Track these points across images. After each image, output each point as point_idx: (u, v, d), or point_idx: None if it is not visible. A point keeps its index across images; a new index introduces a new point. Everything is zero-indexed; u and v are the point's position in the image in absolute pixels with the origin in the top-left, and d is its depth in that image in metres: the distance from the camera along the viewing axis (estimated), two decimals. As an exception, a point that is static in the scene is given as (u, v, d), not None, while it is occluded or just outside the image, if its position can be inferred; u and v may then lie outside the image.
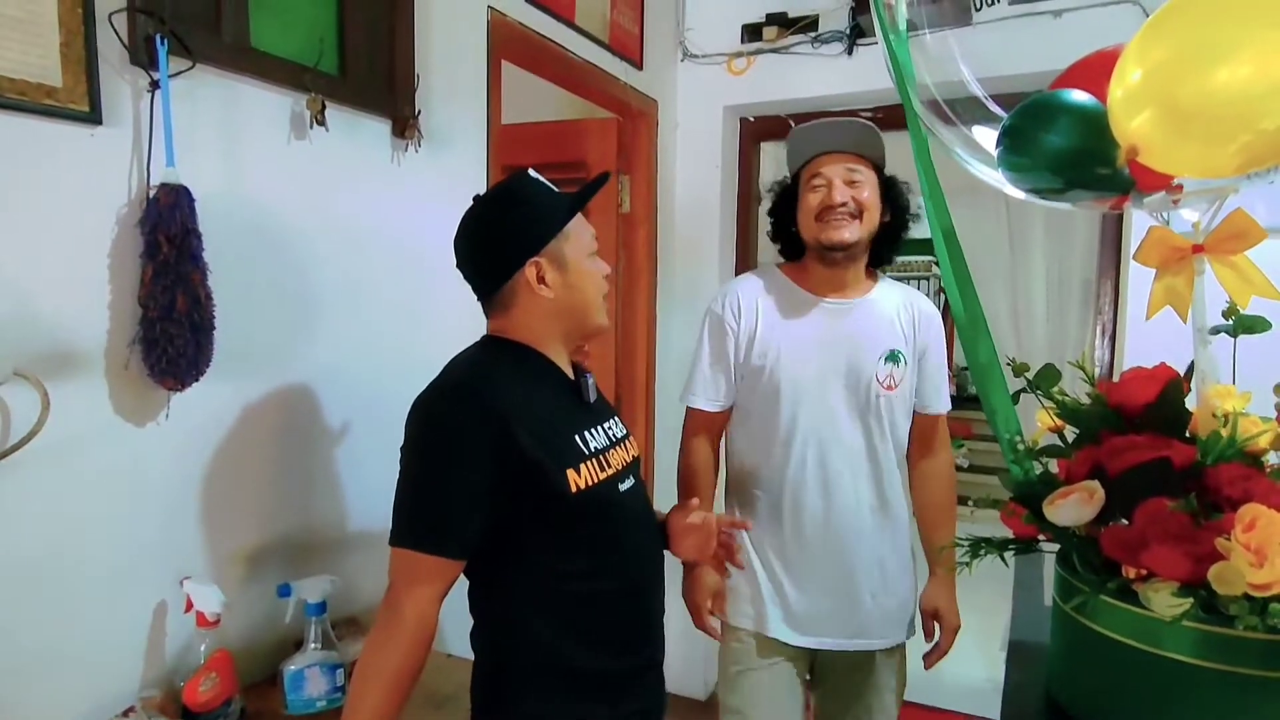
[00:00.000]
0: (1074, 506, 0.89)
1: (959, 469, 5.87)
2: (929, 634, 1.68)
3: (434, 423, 1.06)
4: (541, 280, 1.12)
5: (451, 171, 1.80)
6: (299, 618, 1.34)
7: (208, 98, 1.27)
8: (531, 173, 1.17)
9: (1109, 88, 0.88)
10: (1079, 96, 0.94)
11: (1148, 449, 0.87)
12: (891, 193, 1.56)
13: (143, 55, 1.16)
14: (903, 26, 1.19)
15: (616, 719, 1.15)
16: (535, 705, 1.10)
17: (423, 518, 1.05)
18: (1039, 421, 1.05)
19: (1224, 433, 0.88)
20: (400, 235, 1.66)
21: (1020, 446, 1.03)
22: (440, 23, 1.74)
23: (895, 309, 1.59)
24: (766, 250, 1.98)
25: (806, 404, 1.54)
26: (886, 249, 1.60)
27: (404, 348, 1.66)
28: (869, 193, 1.51)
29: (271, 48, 1.38)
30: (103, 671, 1.18)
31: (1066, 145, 0.93)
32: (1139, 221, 2.26)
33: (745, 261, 2.96)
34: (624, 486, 1.17)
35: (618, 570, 1.14)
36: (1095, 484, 0.89)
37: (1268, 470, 0.89)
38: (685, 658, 2.72)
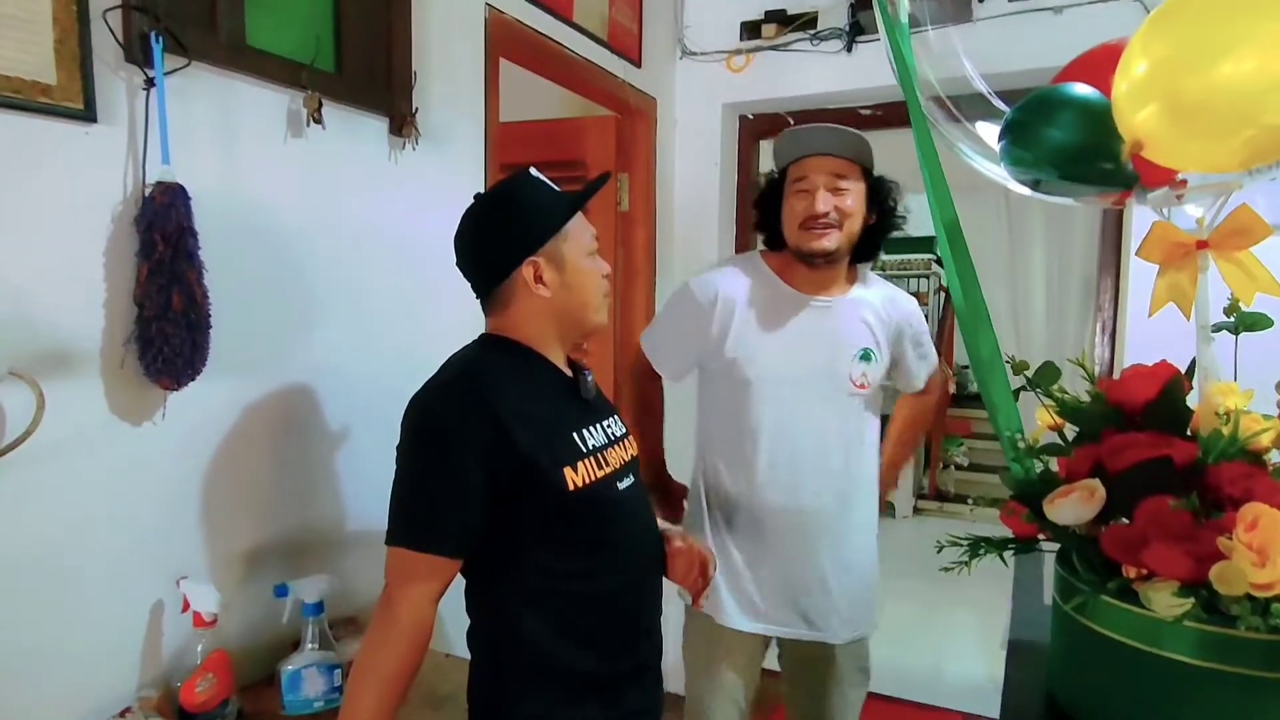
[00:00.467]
0: (1074, 505, 0.88)
1: (959, 467, 5.80)
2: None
3: (430, 421, 1.06)
4: (539, 279, 1.12)
5: (449, 170, 1.79)
6: (296, 618, 1.33)
7: (203, 96, 1.26)
8: (533, 171, 1.17)
9: (1113, 82, 0.88)
10: (1083, 90, 0.93)
11: (1149, 447, 0.87)
12: (879, 194, 1.56)
13: (137, 53, 1.15)
14: (904, 19, 1.18)
15: (614, 719, 1.14)
16: (533, 706, 1.10)
17: (418, 516, 1.04)
18: (1039, 420, 1.04)
19: (1226, 431, 0.87)
20: (398, 234, 1.65)
21: (1021, 444, 1.02)
22: (437, 20, 1.73)
23: (872, 307, 1.61)
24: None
25: (778, 400, 1.55)
26: (870, 248, 1.61)
27: (401, 346, 1.65)
28: (852, 200, 1.51)
29: (267, 45, 1.37)
30: (99, 672, 1.18)
31: (1070, 140, 0.92)
32: (1140, 218, 2.25)
33: (744, 260, 2.95)
34: (622, 485, 1.17)
35: (615, 570, 1.14)
36: (1096, 482, 0.88)
37: (1270, 469, 0.88)
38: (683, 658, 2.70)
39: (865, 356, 1.57)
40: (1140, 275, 2.26)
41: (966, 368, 6.07)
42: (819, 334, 1.56)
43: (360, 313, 1.58)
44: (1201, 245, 0.93)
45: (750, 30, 2.70)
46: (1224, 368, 0.97)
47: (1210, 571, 0.77)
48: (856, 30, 2.55)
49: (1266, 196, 1.13)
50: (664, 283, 2.82)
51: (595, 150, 2.64)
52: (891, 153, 2.84)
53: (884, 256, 6.83)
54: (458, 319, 1.57)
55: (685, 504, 1.74)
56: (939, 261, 6.38)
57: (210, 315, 1.21)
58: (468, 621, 1.15)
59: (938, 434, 5.88)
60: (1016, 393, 1.06)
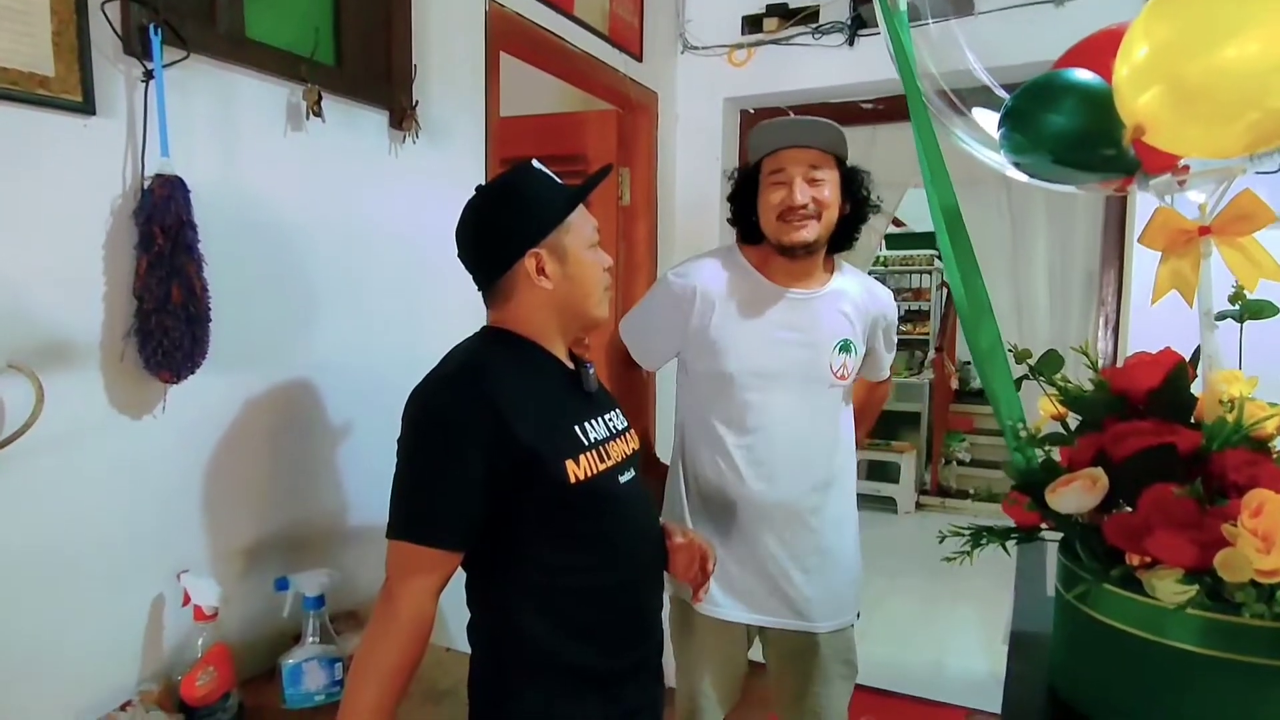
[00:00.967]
0: (1077, 493, 0.88)
1: (961, 463, 5.81)
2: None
3: (430, 413, 1.05)
4: (541, 271, 1.11)
5: (450, 163, 1.79)
6: (297, 611, 1.33)
7: (202, 88, 1.26)
8: (535, 164, 1.16)
9: (1114, 65, 0.87)
10: (1083, 75, 0.93)
11: (1152, 435, 0.86)
12: (852, 185, 1.57)
13: (136, 45, 1.15)
14: (903, 6, 1.17)
15: (614, 715, 1.14)
16: (533, 700, 1.09)
17: (419, 509, 1.04)
18: (1041, 409, 1.04)
19: (1230, 418, 0.86)
20: (398, 227, 1.65)
21: (1023, 433, 1.01)
22: (437, 13, 1.73)
23: (850, 298, 1.61)
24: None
25: (758, 392, 1.55)
26: (846, 237, 1.62)
27: (402, 339, 1.65)
28: (829, 191, 1.52)
29: (266, 38, 1.37)
30: (100, 665, 1.18)
31: (1071, 125, 0.91)
32: (1143, 211, 2.24)
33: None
34: (624, 479, 1.16)
35: (616, 565, 1.13)
36: (1099, 470, 0.88)
37: (1275, 456, 0.87)
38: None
39: (845, 348, 1.59)
40: (1144, 270, 2.25)
41: (969, 363, 6.06)
42: (799, 326, 1.56)
43: (360, 306, 1.57)
44: (1204, 231, 0.92)
45: (751, 24, 2.70)
46: (1227, 357, 0.96)
47: (1215, 558, 0.76)
48: (858, 24, 2.55)
49: (1265, 185, 1.12)
50: (665, 278, 2.82)
51: (596, 145, 2.64)
52: (893, 147, 2.84)
53: (886, 252, 6.87)
54: (458, 312, 1.57)
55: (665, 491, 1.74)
56: (940, 257, 6.38)
57: (210, 308, 1.21)
58: (468, 616, 1.15)
59: (940, 429, 5.88)
60: (1018, 382, 1.05)
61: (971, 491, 5.63)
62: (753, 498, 1.56)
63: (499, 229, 1.13)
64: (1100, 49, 0.93)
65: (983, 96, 1.18)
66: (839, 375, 1.58)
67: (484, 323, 1.19)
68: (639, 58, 2.57)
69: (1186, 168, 0.92)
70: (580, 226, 1.15)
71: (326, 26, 1.51)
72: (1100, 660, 0.91)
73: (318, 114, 1.41)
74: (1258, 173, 0.93)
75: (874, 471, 5.41)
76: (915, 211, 5.82)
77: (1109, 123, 0.88)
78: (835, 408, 1.62)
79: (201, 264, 1.19)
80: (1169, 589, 0.79)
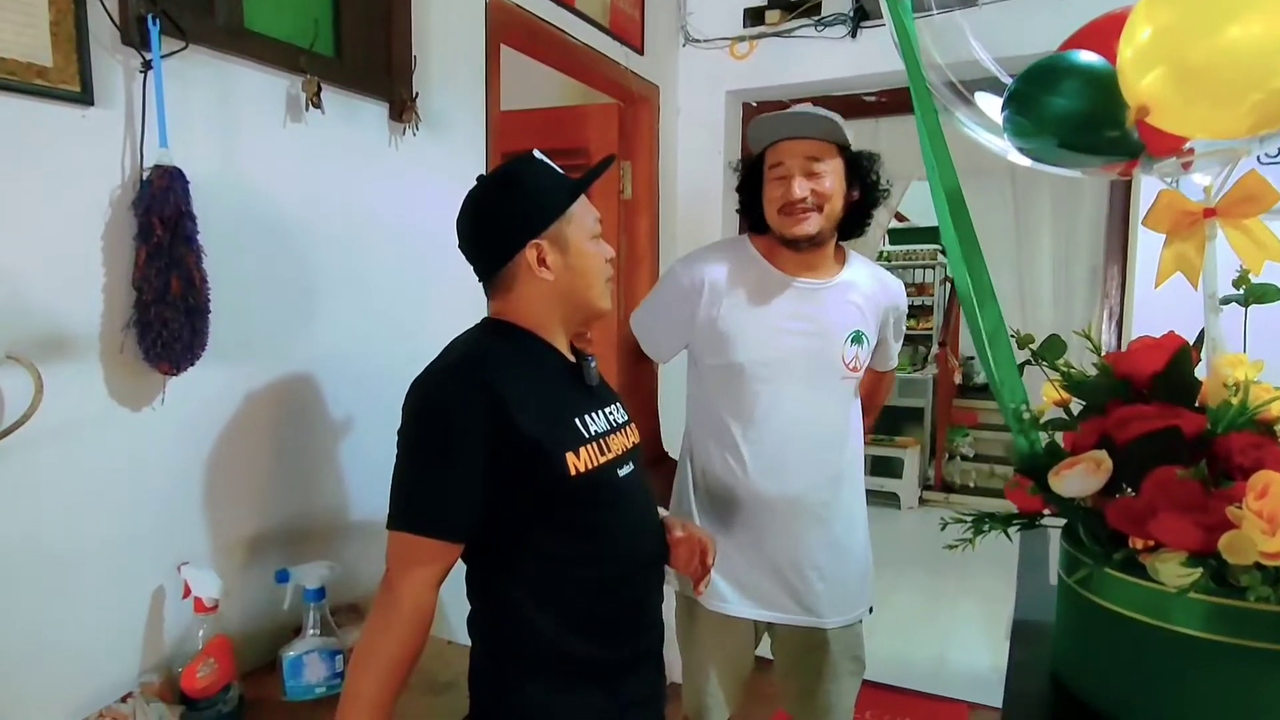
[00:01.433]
0: (1080, 477, 0.87)
1: (964, 458, 5.83)
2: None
3: (431, 404, 1.05)
4: (542, 262, 1.11)
5: (450, 156, 1.78)
6: (298, 604, 1.33)
7: (201, 79, 1.26)
8: (536, 154, 1.16)
9: (1118, 47, 0.86)
10: (1087, 57, 0.92)
11: (1156, 418, 0.85)
12: (858, 170, 1.55)
13: (134, 35, 1.14)
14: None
15: (616, 707, 1.13)
16: (534, 693, 1.09)
17: (419, 500, 1.03)
18: (1044, 396, 1.03)
19: (1235, 401, 0.86)
20: (398, 219, 1.65)
21: (1026, 416, 1.00)
22: (438, 5, 1.72)
23: (861, 289, 1.60)
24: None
25: (769, 384, 1.54)
26: (857, 224, 1.60)
27: (402, 331, 1.64)
28: (830, 181, 1.50)
29: (265, 29, 1.37)
30: (100, 657, 1.18)
31: (1075, 108, 0.91)
32: (1147, 200, 2.23)
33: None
34: (624, 472, 1.16)
35: (616, 557, 1.13)
36: (1102, 454, 0.87)
37: (1280, 439, 0.86)
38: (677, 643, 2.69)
39: (857, 339, 1.57)
40: (1147, 262, 2.24)
41: (972, 358, 6.05)
42: (806, 315, 1.55)
43: (360, 298, 1.57)
44: (1209, 213, 0.91)
45: (753, 17, 2.68)
46: (1232, 341, 0.96)
47: (1219, 541, 0.75)
48: (861, 16, 2.53)
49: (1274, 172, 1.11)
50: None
51: (597, 138, 2.63)
52: (896, 140, 2.83)
53: (889, 247, 6.85)
54: (459, 304, 1.57)
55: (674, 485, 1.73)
56: (944, 252, 6.39)
57: (209, 300, 1.20)
58: (469, 608, 1.15)
59: (944, 424, 5.87)
60: (1021, 367, 1.05)
61: (973, 481, 5.64)
62: (761, 493, 1.55)
63: (500, 219, 1.13)
64: (1105, 31, 0.92)
65: (987, 85, 1.17)
66: (851, 367, 1.56)
67: (485, 314, 1.19)
68: (640, 50, 2.56)
69: (1191, 150, 0.91)
70: (582, 217, 1.15)
71: (326, 17, 1.50)
72: (1103, 647, 0.91)
73: (317, 105, 1.41)
74: (1262, 161, 0.93)
75: (877, 466, 5.39)
76: (918, 206, 5.81)
77: (1113, 104, 0.88)
78: (846, 401, 1.61)
79: (201, 255, 1.18)
80: (1172, 572, 0.79)
